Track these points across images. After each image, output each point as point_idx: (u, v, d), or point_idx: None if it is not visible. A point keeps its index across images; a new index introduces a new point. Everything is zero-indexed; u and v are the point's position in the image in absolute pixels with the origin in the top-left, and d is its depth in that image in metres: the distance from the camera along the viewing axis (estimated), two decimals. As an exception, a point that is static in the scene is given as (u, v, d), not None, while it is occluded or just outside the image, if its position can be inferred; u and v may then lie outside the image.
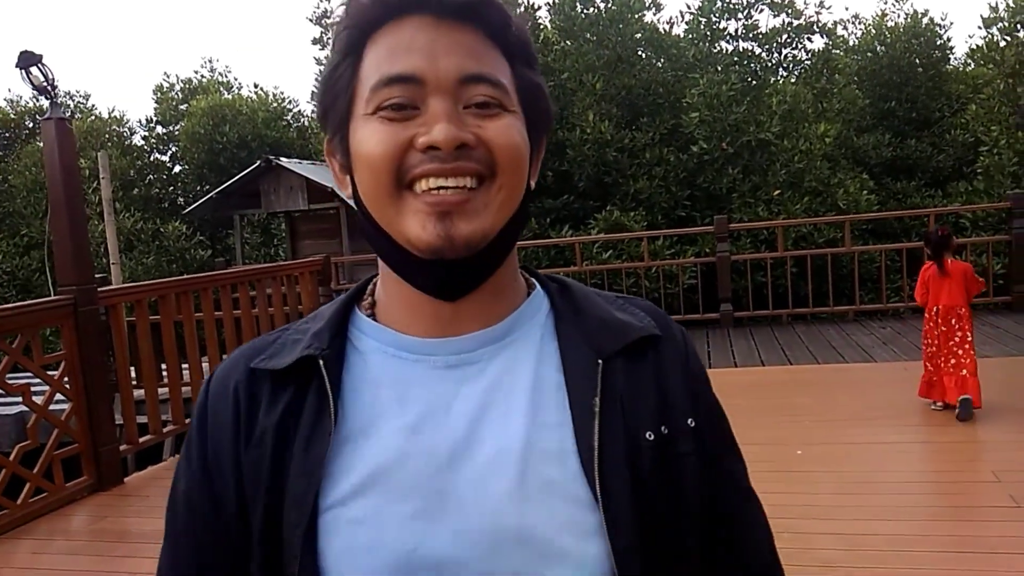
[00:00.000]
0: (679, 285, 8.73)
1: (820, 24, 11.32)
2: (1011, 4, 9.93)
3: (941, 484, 3.81)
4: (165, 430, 5.06)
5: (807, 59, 11.68)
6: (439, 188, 0.64)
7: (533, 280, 0.78)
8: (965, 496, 3.60)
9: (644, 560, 0.66)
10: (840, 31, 12.82)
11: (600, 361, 0.70)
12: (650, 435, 0.69)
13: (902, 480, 3.82)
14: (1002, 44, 10.09)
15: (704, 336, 7.98)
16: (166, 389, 5.32)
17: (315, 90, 0.73)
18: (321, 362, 0.70)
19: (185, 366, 5.34)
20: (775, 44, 11.23)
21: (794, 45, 11.39)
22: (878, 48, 13.50)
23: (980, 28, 10.50)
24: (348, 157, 0.70)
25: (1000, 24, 10.08)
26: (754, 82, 11.11)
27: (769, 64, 11.42)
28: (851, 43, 13.75)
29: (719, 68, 11.29)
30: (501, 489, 0.65)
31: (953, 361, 4.64)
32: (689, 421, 0.72)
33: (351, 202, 0.74)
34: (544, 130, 0.74)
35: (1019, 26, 9.83)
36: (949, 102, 13.25)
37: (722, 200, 10.47)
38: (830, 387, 5.79)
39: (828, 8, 12.48)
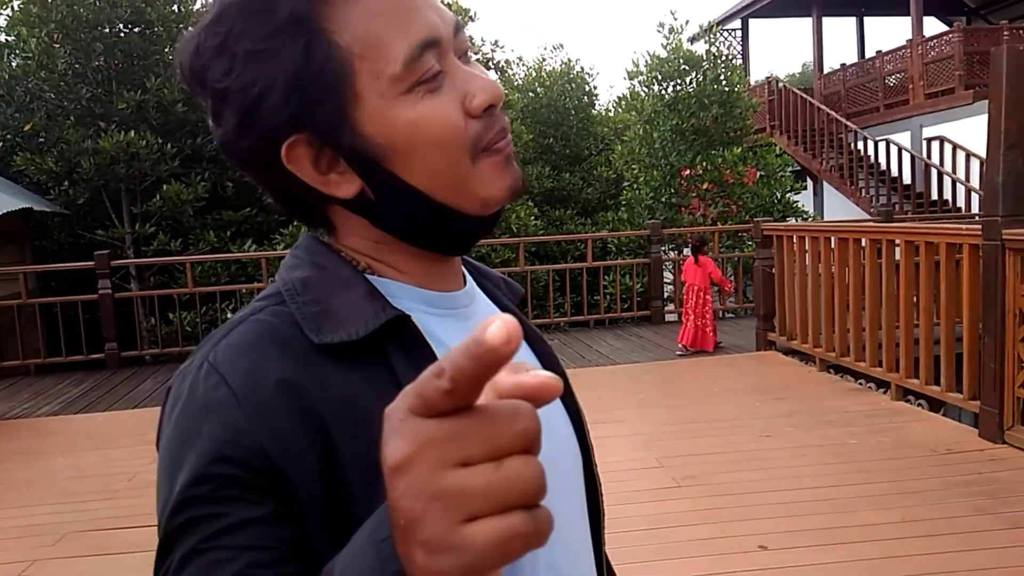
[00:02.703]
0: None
1: (495, 61, 12.24)
2: (648, 61, 11.68)
3: (619, 472, 4.31)
4: None
5: (483, 92, 12.53)
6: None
7: None
8: (639, 481, 4.13)
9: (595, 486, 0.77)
10: (509, 71, 13.99)
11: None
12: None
13: (588, 473, 4.25)
14: (642, 95, 11.81)
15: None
16: None
17: (258, 88, 0.59)
18: (411, 317, 0.63)
19: None
20: (455, 75, 11.89)
21: (472, 78, 12.16)
22: (538, 89, 14.95)
23: (625, 79, 12.22)
24: (363, 151, 0.61)
25: (640, 77, 11.80)
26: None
27: (450, 93, 12.03)
28: (516, 83, 15.06)
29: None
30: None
31: (697, 320, 7.32)
32: None
33: (342, 199, 0.65)
34: None
35: (655, 81, 11.59)
36: (596, 142, 15.11)
37: (406, 220, 10.76)
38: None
39: (501, 47, 13.49)
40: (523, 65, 16.44)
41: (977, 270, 4.47)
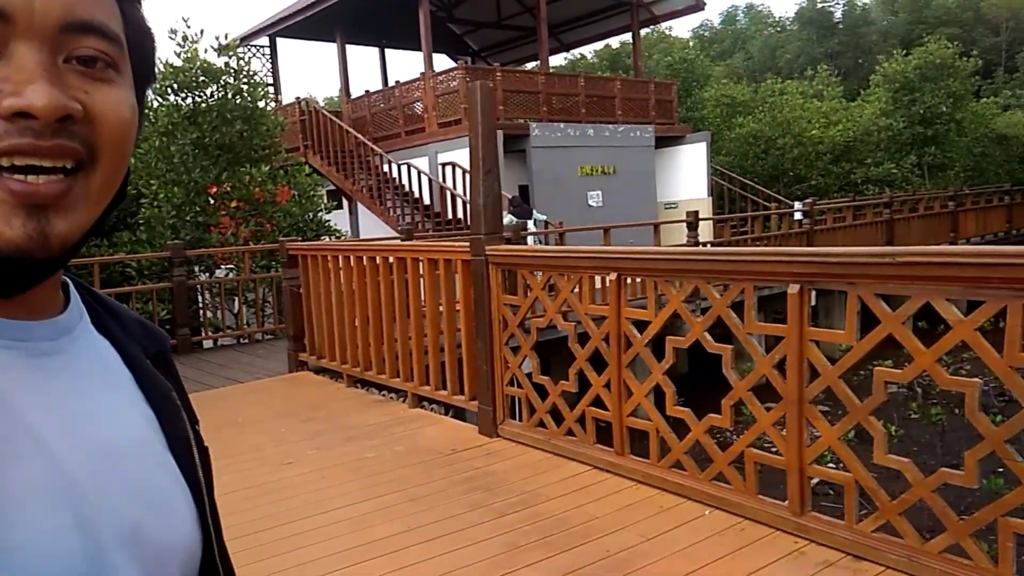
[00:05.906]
0: None
1: None
2: (162, 69, 10.79)
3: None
4: None
5: None
6: (27, 170, 0.51)
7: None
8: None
9: (220, 555, 0.69)
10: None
11: (148, 360, 0.69)
12: (198, 427, 0.72)
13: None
14: (155, 105, 10.85)
15: None
16: None
17: None
18: None
19: None
20: None
21: None
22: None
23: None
24: None
25: (156, 85, 10.84)
26: None
27: None
28: None
29: None
30: (128, 488, 0.58)
31: None
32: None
33: None
34: (149, 84, 0.64)
35: (171, 90, 10.75)
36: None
37: None
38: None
39: None
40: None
41: (470, 282, 4.92)
